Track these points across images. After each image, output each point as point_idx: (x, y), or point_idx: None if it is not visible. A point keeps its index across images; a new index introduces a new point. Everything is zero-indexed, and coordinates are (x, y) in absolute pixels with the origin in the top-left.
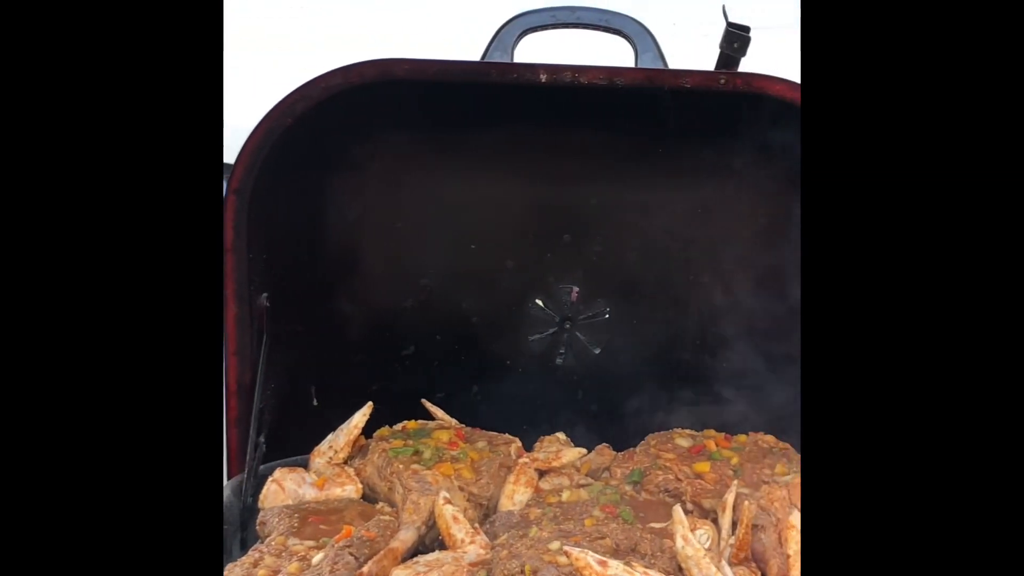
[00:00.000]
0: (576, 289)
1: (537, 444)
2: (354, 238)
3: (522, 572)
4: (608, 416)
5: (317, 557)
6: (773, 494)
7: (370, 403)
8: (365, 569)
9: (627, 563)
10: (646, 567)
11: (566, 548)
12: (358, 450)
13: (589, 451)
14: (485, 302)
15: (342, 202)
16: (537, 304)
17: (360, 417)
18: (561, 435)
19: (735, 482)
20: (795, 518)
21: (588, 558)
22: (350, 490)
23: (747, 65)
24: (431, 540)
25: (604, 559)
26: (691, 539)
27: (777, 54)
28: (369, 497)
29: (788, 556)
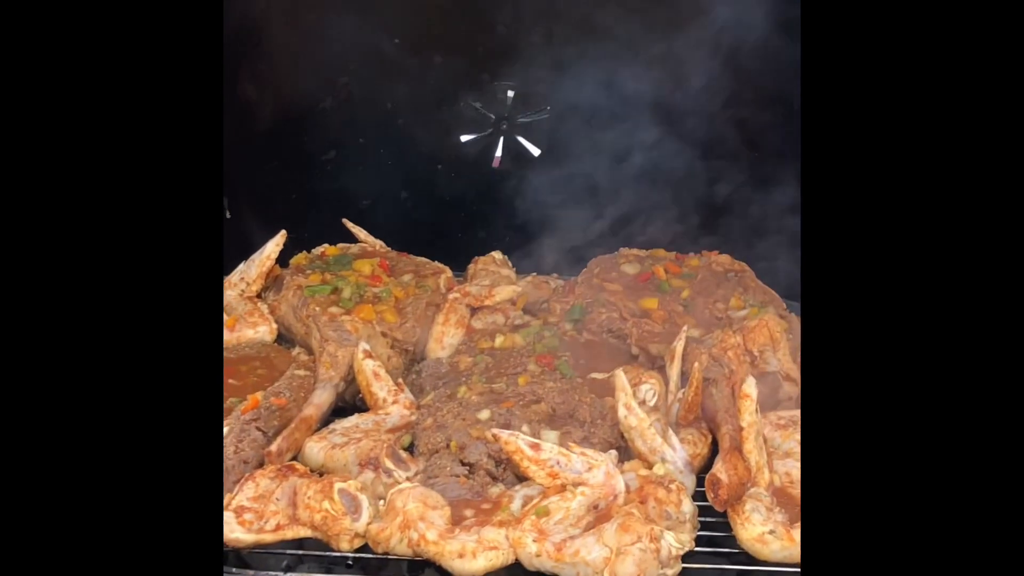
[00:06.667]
0: (511, 87)
1: (471, 266)
2: (261, 28)
3: (447, 447)
4: (549, 228)
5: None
6: (726, 341)
7: (283, 232)
8: (274, 447)
9: (562, 444)
10: (584, 444)
11: (494, 432)
12: (272, 281)
13: (529, 273)
14: (412, 102)
15: None
16: (470, 104)
17: (273, 247)
18: (497, 255)
19: (684, 328)
20: (749, 386)
21: (519, 442)
22: (263, 331)
23: None
24: (351, 395)
25: (536, 442)
26: (634, 408)
27: None
28: (284, 338)
29: (740, 428)
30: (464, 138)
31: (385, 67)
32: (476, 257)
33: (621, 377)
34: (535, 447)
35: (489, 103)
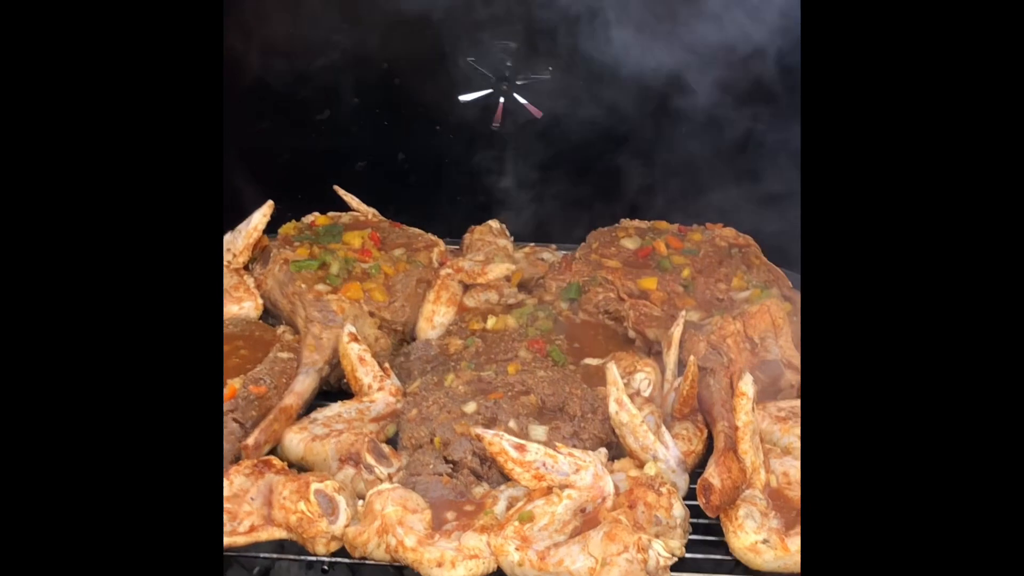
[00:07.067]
0: (514, 45)
1: (467, 236)
2: None
3: (431, 442)
4: (550, 194)
5: None
6: (725, 328)
7: (270, 202)
8: (251, 440)
9: (550, 440)
10: (574, 440)
11: (478, 432)
12: (259, 252)
13: (527, 243)
14: (409, 60)
15: None
16: (470, 62)
17: (260, 217)
18: (495, 223)
19: (682, 313)
20: (746, 384)
21: (503, 443)
22: (248, 307)
23: None
24: (336, 379)
25: (521, 442)
26: (626, 403)
27: None
28: (270, 313)
29: (736, 428)
30: (463, 98)
31: (382, 23)
32: (472, 226)
33: (613, 371)
34: (520, 448)
35: (490, 63)
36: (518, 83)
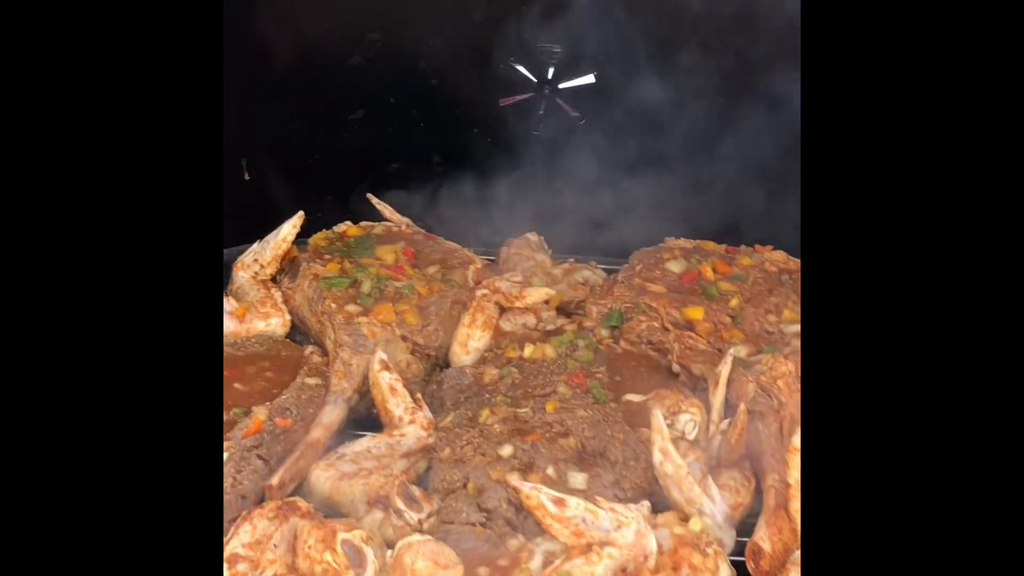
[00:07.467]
0: (557, 49)
1: (503, 249)
2: None
3: (465, 487)
4: (593, 203)
5: None
6: (776, 369)
7: (301, 213)
8: (275, 480)
9: (590, 489)
10: (615, 489)
11: (515, 484)
12: (289, 263)
13: (566, 258)
14: (447, 61)
15: None
16: (511, 64)
17: (290, 228)
18: (532, 236)
19: (730, 351)
20: (799, 438)
21: (542, 496)
22: (275, 323)
23: None
24: (366, 408)
25: (561, 496)
26: (671, 453)
27: None
28: (298, 329)
29: (788, 485)
30: (503, 101)
31: (419, 22)
32: (509, 239)
33: (658, 418)
34: (559, 503)
35: (532, 66)
36: (560, 87)
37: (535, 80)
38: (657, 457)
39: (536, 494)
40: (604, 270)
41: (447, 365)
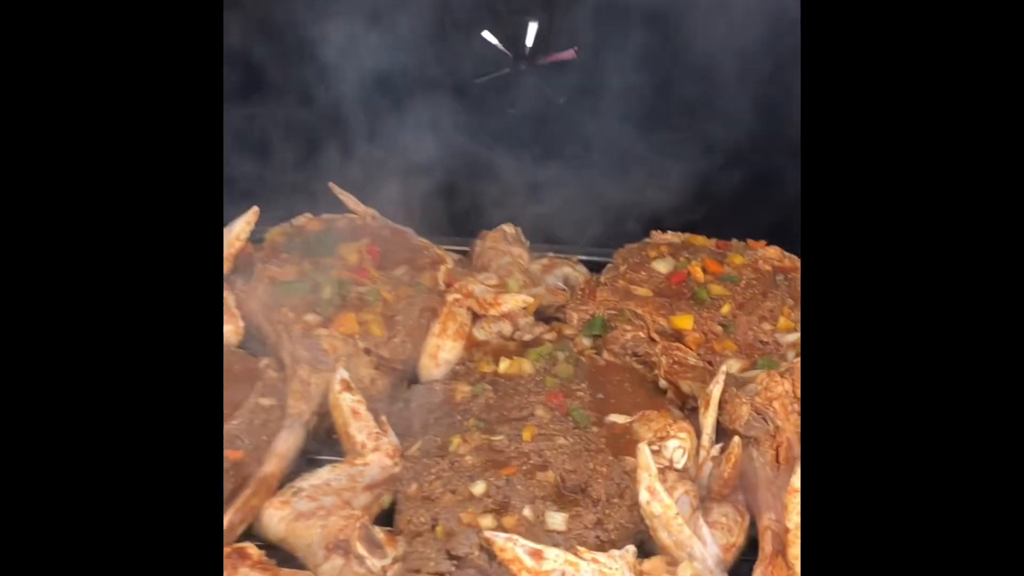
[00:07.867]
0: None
1: (477, 243)
2: None
3: (432, 529)
4: (572, 186)
5: None
6: (773, 390)
7: (255, 208)
8: (226, 521)
9: (570, 533)
10: (597, 530)
11: (489, 535)
12: (243, 261)
13: (544, 251)
14: (415, 32)
15: None
16: (484, 37)
17: (243, 225)
18: (508, 228)
19: (722, 368)
20: (799, 479)
21: (518, 550)
22: (227, 331)
23: None
24: (325, 432)
25: (538, 548)
26: (659, 492)
27: None
28: (253, 337)
29: (787, 530)
30: (477, 79)
31: None
32: (483, 231)
33: (645, 453)
34: (537, 556)
35: (507, 39)
36: (538, 61)
37: (509, 55)
38: (644, 496)
39: (511, 546)
40: (585, 263)
41: (415, 379)
